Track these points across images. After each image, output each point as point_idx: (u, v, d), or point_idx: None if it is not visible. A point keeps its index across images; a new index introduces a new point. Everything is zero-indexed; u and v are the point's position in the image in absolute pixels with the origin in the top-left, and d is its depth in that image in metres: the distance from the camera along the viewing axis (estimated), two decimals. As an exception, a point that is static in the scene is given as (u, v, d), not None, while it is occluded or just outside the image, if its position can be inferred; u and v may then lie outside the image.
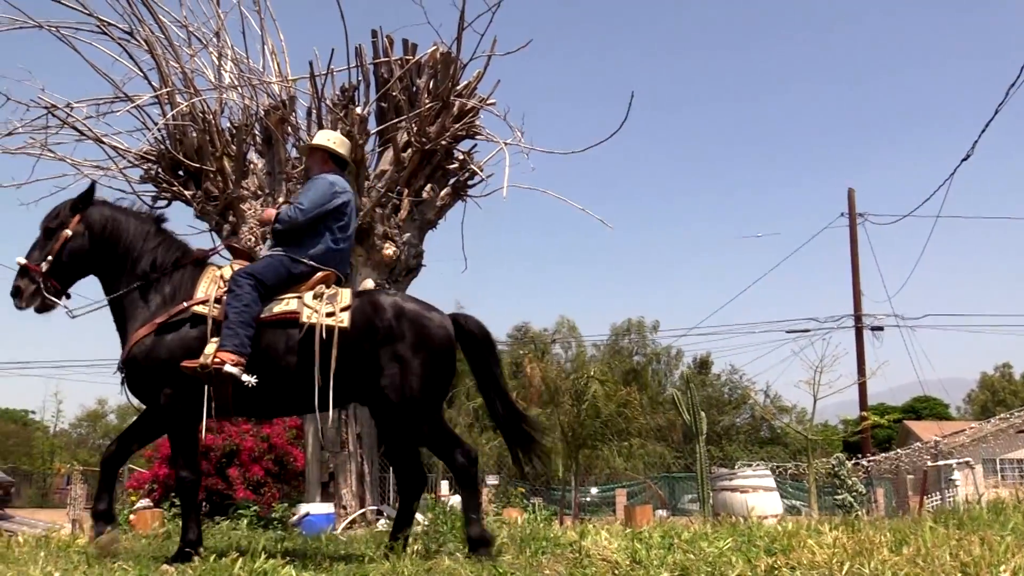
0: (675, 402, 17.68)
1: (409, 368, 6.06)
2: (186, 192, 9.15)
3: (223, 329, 5.86)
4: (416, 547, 5.97)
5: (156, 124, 9.05)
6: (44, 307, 6.01)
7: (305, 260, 6.21)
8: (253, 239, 8.86)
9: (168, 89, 8.87)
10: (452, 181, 9.70)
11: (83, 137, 9.23)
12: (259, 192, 9.17)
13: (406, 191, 9.26)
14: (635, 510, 15.11)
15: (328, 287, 6.19)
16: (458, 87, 9.01)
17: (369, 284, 8.77)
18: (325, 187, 6.40)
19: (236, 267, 6.15)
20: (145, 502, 12.51)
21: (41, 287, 5.94)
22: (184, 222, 9.14)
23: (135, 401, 6.16)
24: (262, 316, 5.99)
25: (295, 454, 12.89)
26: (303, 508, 8.58)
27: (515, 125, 9.20)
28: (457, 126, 9.16)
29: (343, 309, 6.12)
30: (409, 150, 9.18)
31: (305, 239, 6.34)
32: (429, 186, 9.45)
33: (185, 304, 5.95)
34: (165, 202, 9.40)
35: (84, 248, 6.01)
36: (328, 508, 8.57)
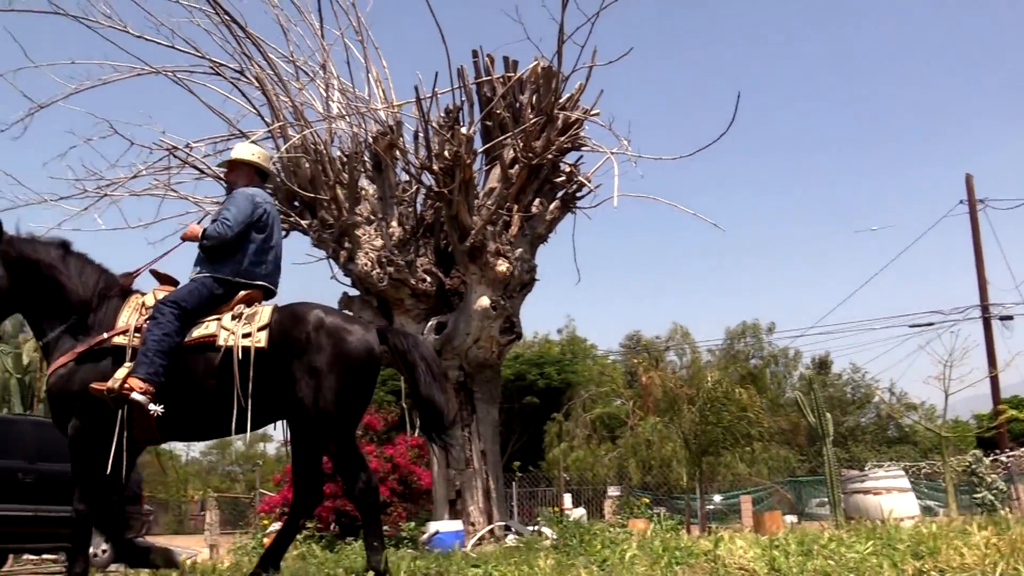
0: (798, 404, 17.27)
1: (324, 381, 5.90)
2: (303, 222, 9.41)
3: (138, 355, 5.88)
4: (549, 561, 5.98)
5: (271, 158, 9.33)
6: None
7: (230, 279, 6.21)
8: (369, 264, 9.05)
9: (280, 123, 9.15)
10: (560, 194, 9.73)
11: (202, 175, 9.63)
12: (372, 217, 9.35)
13: (515, 207, 9.31)
14: (764, 516, 14.81)
15: (249, 306, 6.14)
16: (561, 100, 9.03)
17: (485, 302, 8.85)
18: (246, 200, 6.29)
19: (160, 294, 6.21)
20: (277, 525, 12.80)
21: None
22: (302, 250, 9.39)
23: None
24: (182, 341, 6.09)
25: (418, 473, 13.05)
26: (432, 526, 8.68)
27: (620, 134, 9.17)
28: (562, 139, 9.18)
29: (260, 328, 6.00)
30: (516, 166, 9.24)
31: (227, 257, 6.30)
32: (538, 201, 9.49)
33: (105, 335, 6.01)
34: (284, 233, 9.70)
35: (3, 288, 5.98)
36: (457, 525, 8.65)
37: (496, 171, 9.48)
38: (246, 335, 5.85)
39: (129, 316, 5.88)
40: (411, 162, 9.40)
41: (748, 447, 20.19)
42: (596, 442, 30.33)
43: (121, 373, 5.57)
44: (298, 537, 10.60)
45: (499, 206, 9.08)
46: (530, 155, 9.01)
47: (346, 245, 9.20)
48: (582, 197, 9.77)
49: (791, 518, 18.76)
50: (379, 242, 9.20)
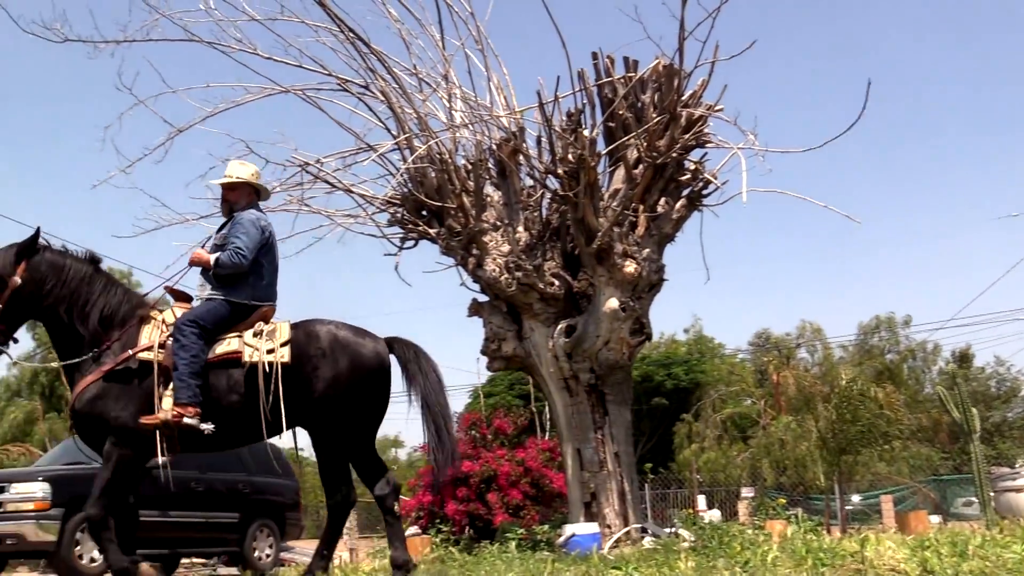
0: (939, 400, 16.63)
1: (342, 391, 6.19)
2: (430, 231, 9.56)
3: (175, 381, 6.01)
4: (689, 563, 5.93)
5: (398, 169, 9.55)
6: None
7: (245, 303, 6.40)
8: (497, 270, 9.14)
9: (406, 135, 9.34)
10: (686, 192, 9.61)
11: (333, 189, 9.90)
12: (498, 223, 9.44)
13: (641, 207, 9.26)
14: (908, 516, 14.29)
15: (266, 323, 6.38)
16: (683, 97, 8.93)
17: (614, 304, 8.83)
18: (254, 227, 6.53)
19: (179, 311, 6.35)
20: (414, 529, 13.04)
21: None
22: (431, 258, 9.55)
23: (88, 451, 6.40)
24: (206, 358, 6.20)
25: (550, 476, 13.08)
26: (568, 529, 8.69)
27: (746, 128, 9.01)
28: (686, 137, 9.08)
29: (283, 344, 6.25)
30: (640, 166, 9.19)
31: (240, 282, 6.48)
32: (663, 200, 9.41)
33: (130, 352, 6.13)
34: (413, 242, 9.91)
35: (30, 295, 6.10)
36: (593, 528, 8.64)
37: (620, 172, 9.44)
38: (270, 351, 6.17)
39: (151, 333, 6.15)
40: (535, 167, 9.44)
41: (887, 445, 19.48)
42: (727, 443, 29.86)
43: (168, 404, 5.86)
44: (435, 540, 10.81)
45: (625, 207, 9.04)
46: (654, 154, 8.94)
47: (474, 252, 9.31)
48: (708, 194, 9.63)
49: (936, 518, 18.04)
50: (506, 248, 9.28)
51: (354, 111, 10.04)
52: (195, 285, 6.63)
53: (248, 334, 6.27)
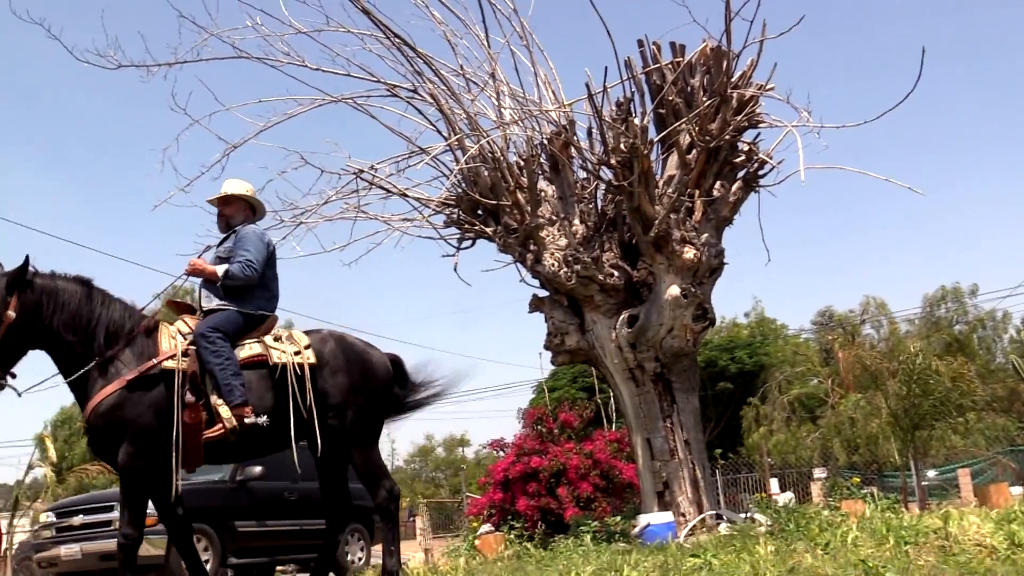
0: (1015, 368, 16.30)
1: (354, 400, 6.32)
2: (487, 229, 9.60)
3: (222, 385, 6.05)
4: (769, 548, 5.88)
5: (451, 170, 9.60)
6: None
7: (254, 313, 6.48)
8: (556, 264, 9.15)
9: (457, 136, 9.38)
10: (742, 174, 9.52)
11: (389, 194, 9.98)
12: (554, 217, 9.44)
13: (697, 192, 9.19)
14: (988, 489, 13.97)
15: (275, 330, 6.50)
16: (733, 79, 8.84)
17: (675, 291, 8.78)
18: (260, 241, 6.71)
19: (189, 322, 6.37)
20: (487, 527, 13.09)
21: None
22: (488, 257, 9.58)
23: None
24: None
25: (620, 467, 13.03)
26: (643, 519, 8.67)
27: (799, 105, 8.89)
28: (738, 118, 8.98)
29: (306, 347, 6.41)
30: (694, 151, 9.12)
31: (249, 293, 6.58)
32: (719, 183, 9.33)
33: (154, 360, 6.11)
34: (470, 242, 9.96)
35: (27, 326, 6.01)
36: (667, 517, 8.60)
37: (674, 158, 9.39)
38: (296, 353, 6.32)
39: (169, 343, 6.20)
40: (588, 159, 9.42)
41: (961, 418, 19.10)
42: (796, 424, 29.46)
43: (225, 411, 5.94)
44: (508, 537, 10.85)
45: (680, 193, 8.98)
46: (707, 138, 8.87)
47: (531, 248, 9.32)
48: (764, 175, 9.53)
49: (1018, 489, 17.64)
50: (563, 241, 9.27)
51: (404, 115, 10.11)
52: (197, 298, 6.76)
53: (268, 339, 6.45)
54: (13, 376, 6.15)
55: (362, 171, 9.70)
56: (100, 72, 9.64)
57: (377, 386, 6.69)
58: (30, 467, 28.83)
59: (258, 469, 11.37)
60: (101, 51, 9.37)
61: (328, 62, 9.71)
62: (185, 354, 6.21)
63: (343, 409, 6.40)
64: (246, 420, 6.02)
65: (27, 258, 6.23)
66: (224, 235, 6.97)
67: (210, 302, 6.64)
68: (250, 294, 6.63)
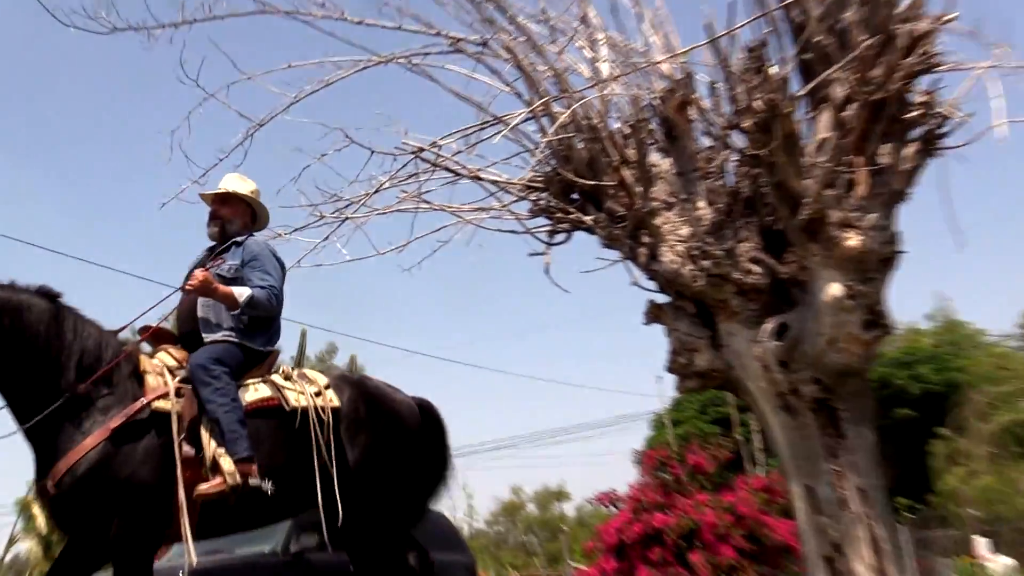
0: None
1: (377, 464, 6.33)
2: (585, 218, 9.64)
3: (226, 434, 6.09)
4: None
5: (536, 144, 9.69)
6: None
7: (260, 349, 6.48)
8: (677, 260, 9.16)
9: (542, 100, 9.46)
10: (916, 134, 9.43)
11: (457, 177, 10.10)
12: (672, 199, 9.47)
13: (858, 159, 9.13)
14: None
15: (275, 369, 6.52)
16: (899, 10, 8.77)
17: (835, 290, 8.72)
18: (278, 260, 6.81)
19: (174, 353, 6.36)
20: (599, 607, 13.20)
21: None
22: (590, 255, 9.64)
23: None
24: None
25: (771, 524, 13.05)
26: (808, 591, 8.65)
27: (993, 39, 8.78)
28: (909, 61, 8.90)
29: (326, 387, 6.43)
30: (851, 106, 9.05)
31: (261, 323, 6.66)
32: (887, 147, 9.26)
33: (143, 400, 6.09)
34: (564, 235, 10.03)
35: None
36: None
37: (826, 116, 9.29)
38: (317, 394, 6.41)
39: (156, 379, 6.25)
40: (713, 122, 9.42)
41: None
42: (1007, 463, 28.90)
43: (228, 464, 6.03)
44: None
45: (836, 162, 8.91)
46: (868, 88, 8.80)
47: (645, 239, 9.35)
48: (947, 134, 9.42)
49: None
50: (686, 230, 9.27)
51: (473, 76, 10.20)
52: (176, 323, 6.90)
53: (277, 378, 6.59)
54: None
55: (422, 149, 9.82)
56: (90, 39, 9.92)
57: (406, 445, 6.86)
58: (12, 541, 29.63)
59: (316, 538, 11.56)
60: (91, 12, 9.64)
61: (374, 13, 9.87)
62: (179, 393, 6.31)
63: (364, 475, 6.55)
64: (251, 480, 6.15)
65: None
66: (216, 244, 7.09)
67: (211, 332, 6.76)
68: (262, 326, 6.82)
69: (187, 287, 6.81)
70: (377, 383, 6.98)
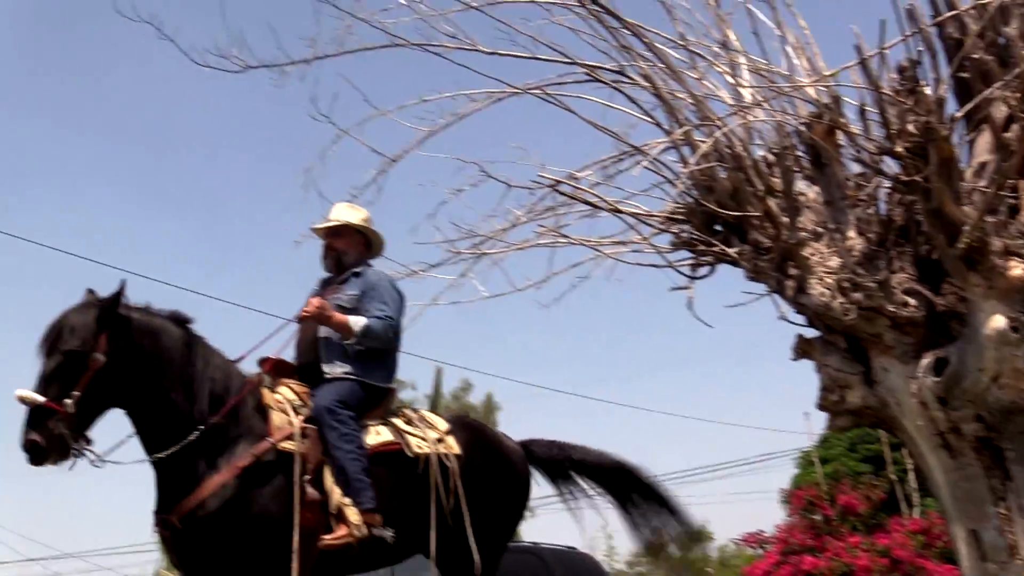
0: None
1: (495, 500, 6.08)
2: (729, 250, 9.36)
3: (352, 482, 5.82)
4: None
5: (677, 175, 9.44)
6: (64, 458, 5.81)
7: (379, 385, 6.18)
8: (827, 293, 8.81)
9: (683, 128, 9.21)
10: (1085, 154, 8.92)
11: (595, 210, 9.89)
12: (820, 229, 9.14)
13: (1022, 184, 8.68)
14: None
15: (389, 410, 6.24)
16: (1066, 22, 8.34)
17: (999, 323, 8.25)
18: (398, 292, 6.59)
19: (296, 388, 6.07)
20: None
21: (67, 435, 5.70)
22: (733, 288, 9.34)
23: None
24: None
25: (930, 569, 12.46)
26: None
27: None
28: (1078, 75, 8.44)
29: (447, 433, 6.14)
30: (1013, 127, 8.61)
31: (379, 360, 6.33)
32: (1053, 169, 8.78)
33: (270, 440, 5.82)
34: (707, 268, 9.75)
35: (115, 376, 5.86)
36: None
37: (985, 138, 8.88)
38: (439, 440, 6.19)
39: (280, 416, 6.05)
40: (863, 147, 9.05)
41: None
42: None
43: (354, 516, 5.85)
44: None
45: (998, 186, 8.46)
46: (1033, 107, 8.37)
47: (792, 272, 9.02)
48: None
49: None
50: (835, 261, 8.93)
51: (610, 105, 10.03)
52: (296, 355, 6.72)
53: (399, 422, 6.44)
54: (89, 441, 6.10)
55: (559, 182, 9.67)
56: (222, 77, 9.95)
57: (518, 494, 6.77)
58: None
59: None
60: (223, 51, 9.68)
61: (507, 43, 9.76)
62: (304, 434, 6.22)
63: (481, 523, 6.43)
64: (374, 531, 6.04)
65: (123, 284, 6.18)
66: (333, 275, 7.03)
67: (333, 367, 6.66)
68: (381, 361, 6.71)
69: (302, 314, 6.70)
70: (492, 430, 6.92)
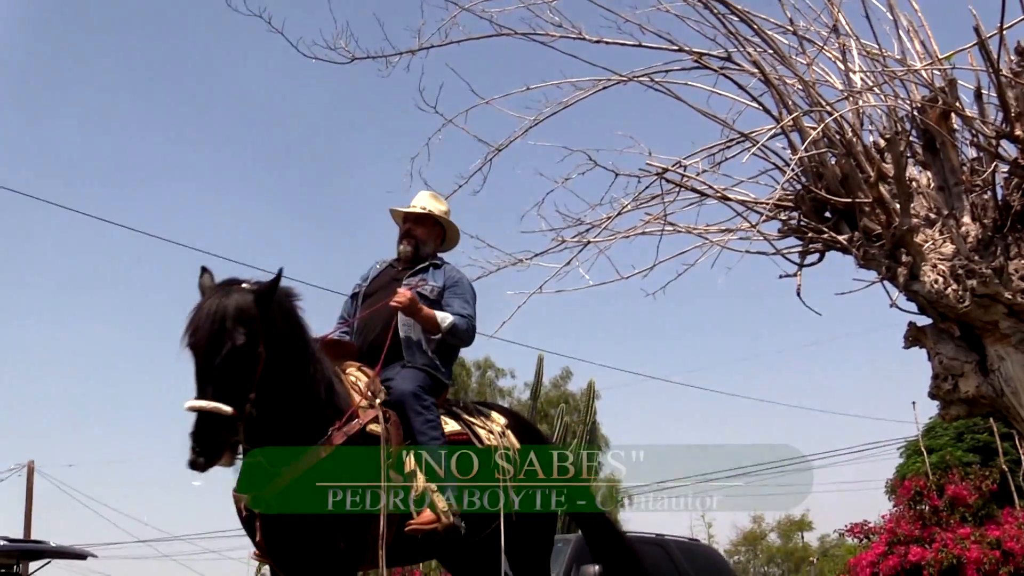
0: None
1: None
2: (839, 238, 9.23)
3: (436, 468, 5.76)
4: None
5: (787, 162, 9.32)
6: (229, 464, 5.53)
7: (445, 381, 6.15)
8: (940, 280, 8.64)
9: (793, 114, 9.10)
10: None
11: (703, 198, 9.82)
12: (933, 215, 9.00)
13: None
14: None
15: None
16: None
17: None
18: (474, 292, 6.45)
19: (365, 371, 5.94)
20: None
21: (241, 441, 5.49)
22: (845, 275, 9.20)
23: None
24: None
25: (1043, 561, 12.18)
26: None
27: None
28: None
29: (506, 427, 6.11)
30: None
31: (451, 353, 6.27)
32: None
33: (359, 422, 5.67)
34: (817, 255, 9.61)
35: (275, 371, 5.62)
36: None
37: None
38: (502, 433, 6.22)
39: (358, 397, 5.95)
40: (980, 131, 8.87)
41: None
42: None
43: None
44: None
45: (1120, 170, 8.27)
46: None
47: (903, 259, 8.87)
48: None
49: None
50: (949, 248, 8.77)
51: (717, 92, 9.95)
52: (361, 341, 6.68)
53: (460, 412, 6.48)
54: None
55: (666, 170, 9.60)
56: (328, 69, 10.03)
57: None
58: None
59: (595, 569, 11.65)
60: (331, 42, 9.77)
61: (613, 31, 9.72)
62: (386, 418, 6.18)
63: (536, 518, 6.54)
64: (453, 520, 6.09)
65: (280, 272, 5.96)
66: (408, 264, 6.97)
67: (412, 354, 6.66)
68: (449, 356, 6.77)
69: (394, 303, 6.62)
70: (538, 429, 7.08)
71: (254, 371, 5.36)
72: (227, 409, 5.24)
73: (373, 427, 6.08)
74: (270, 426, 5.76)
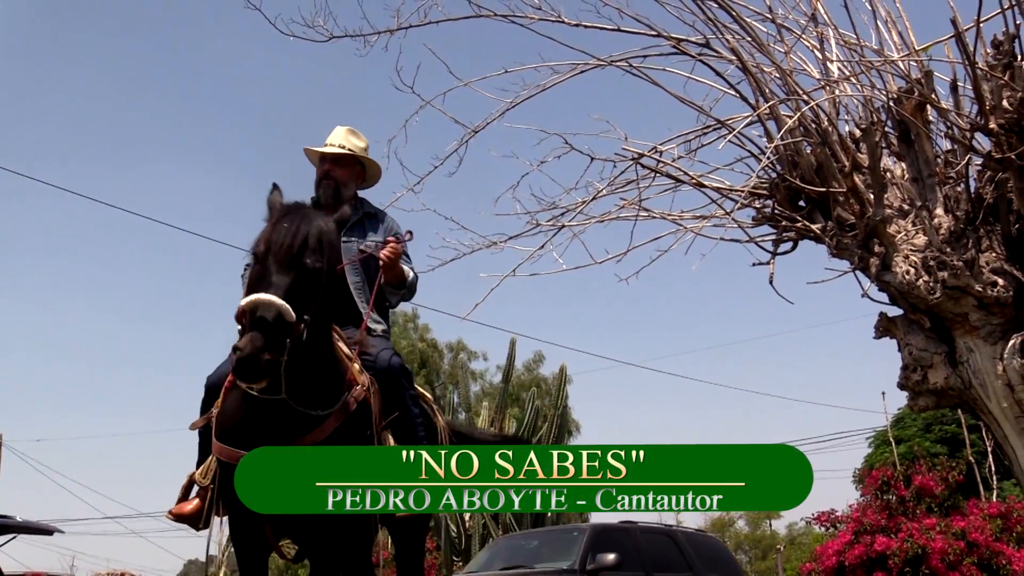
0: None
1: None
2: (812, 227, 9.24)
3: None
4: None
5: (762, 150, 9.31)
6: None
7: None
8: (912, 271, 8.66)
9: (769, 102, 9.09)
10: None
11: (678, 184, 9.80)
12: (906, 207, 9.01)
13: None
14: None
15: None
16: None
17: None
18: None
19: (339, 332, 5.78)
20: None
21: (283, 365, 4.98)
22: (817, 265, 9.21)
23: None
24: None
25: (1008, 554, 12.24)
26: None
27: None
28: None
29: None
30: (1111, 104, 8.40)
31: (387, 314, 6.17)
32: None
33: (361, 388, 5.57)
34: (790, 244, 9.61)
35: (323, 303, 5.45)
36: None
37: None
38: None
39: (350, 361, 5.83)
40: (955, 123, 8.87)
41: None
42: None
43: None
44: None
45: None
46: None
47: (876, 249, 8.89)
48: None
49: None
50: (921, 239, 8.79)
51: (694, 78, 9.93)
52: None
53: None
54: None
55: (642, 155, 9.57)
56: (306, 47, 9.96)
57: None
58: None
59: (612, 557, 11.73)
60: (309, 20, 9.68)
61: (592, 15, 9.67)
62: (374, 388, 5.97)
63: None
64: None
65: (346, 211, 6.00)
66: (333, 211, 6.18)
67: (377, 322, 6.53)
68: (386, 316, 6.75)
69: (385, 255, 6.28)
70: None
71: (316, 297, 5.10)
72: (292, 315, 4.84)
73: (370, 397, 5.89)
74: (301, 368, 5.21)
